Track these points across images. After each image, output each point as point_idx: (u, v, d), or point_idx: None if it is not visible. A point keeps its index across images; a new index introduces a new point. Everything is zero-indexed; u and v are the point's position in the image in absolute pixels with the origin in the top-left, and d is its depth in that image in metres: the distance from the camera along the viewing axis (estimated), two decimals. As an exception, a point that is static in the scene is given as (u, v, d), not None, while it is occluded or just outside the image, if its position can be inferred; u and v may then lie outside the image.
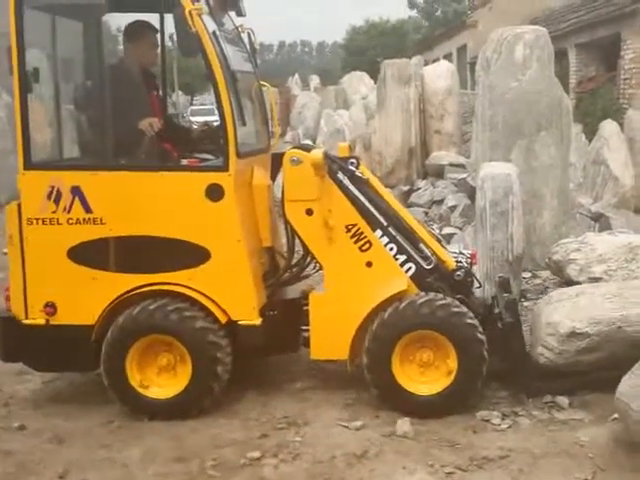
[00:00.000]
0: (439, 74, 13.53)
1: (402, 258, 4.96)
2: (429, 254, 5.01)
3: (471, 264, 5.23)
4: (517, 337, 4.97)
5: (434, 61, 24.59)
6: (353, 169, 5.04)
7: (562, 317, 4.96)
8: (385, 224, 4.96)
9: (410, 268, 4.97)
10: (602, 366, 4.94)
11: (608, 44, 17.80)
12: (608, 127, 10.73)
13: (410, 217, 5.29)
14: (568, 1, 25.01)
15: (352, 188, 4.97)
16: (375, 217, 4.96)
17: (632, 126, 11.65)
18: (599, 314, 4.89)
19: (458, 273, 5.03)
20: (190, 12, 4.54)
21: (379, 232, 4.94)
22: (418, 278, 4.97)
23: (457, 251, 5.37)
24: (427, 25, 45.42)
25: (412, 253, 4.98)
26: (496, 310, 5.09)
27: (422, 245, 5.04)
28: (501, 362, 5.02)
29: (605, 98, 16.86)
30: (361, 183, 5.04)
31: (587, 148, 11.38)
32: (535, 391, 4.99)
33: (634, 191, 10.16)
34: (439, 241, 5.35)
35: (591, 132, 11.99)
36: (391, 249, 4.95)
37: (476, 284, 5.22)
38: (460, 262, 5.14)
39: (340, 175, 4.97)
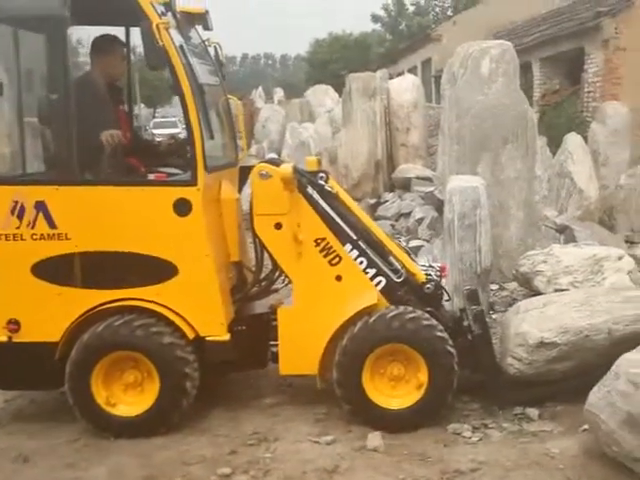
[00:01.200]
0: (405, 87, 13.62)
1: (372, 272, 4.94)
2: (399, 267, 5.01)
3: (441, 277, 5.24)
4: (486, 348, 4.98)
5: (399, 74, 24.73)
6: (322, 183, 5.03)
7: (530, 327, 4.98)
8: (355, 238, 4.95)
9: (380, 282, 4.95)
10: (573, 375, 4.97)
11: (572, 58, 18.02)
12: (572, 140, 10.85)
13: (379, 231, 5.28)
14: (531, 15, 25.37)
15: (321, 202, 4.96)
16: (345, 231, 4.94)
17: (596, 139, 11.81)
18: (567, 323, 4.93)
19: (428, 286, 5.03)
20: (157, 26, 4.52)
21: (349, 246, 4.93)
22: (388, 291, 4.95)
23: (427, 264, 5.37)
24: (391, 38, 45.61)
25: (382, 266, 4.97)
26: (465, 322, 5.10)
27: (392, 258, 5.04)
28: (472, 374, 5.02)
29: (569, 111, 17.05)
30: (330, 197, 5.02)
31: (552, 161, 11.49)
32: (506, 402, 5.00)
33: (598, 203, 10.27)
34: (408, 254, 5.35)
35: (555, 145, 12.11)
36: (361, 263, 4.93)
37: (445, 297, 5.23)
38: (430, 275, 5.14)
39: (309, 189, 4.96)
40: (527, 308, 5.28)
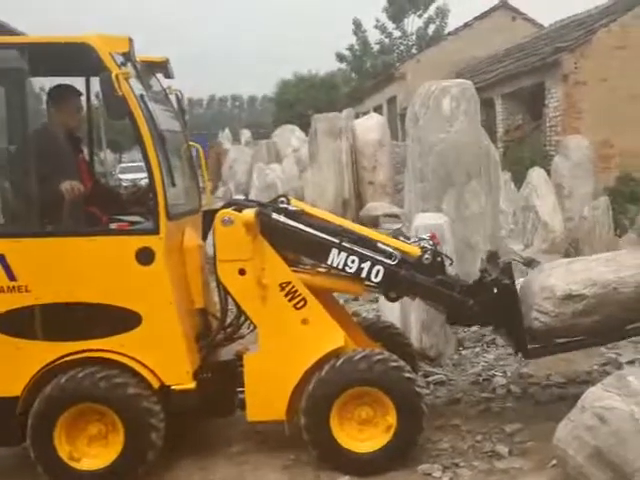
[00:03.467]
0: (370, 126, 13.79)
1: (367, 265, 4.89)
2: (391, 251, 4.96)
3: (435, 244, 5.19)
4: (514, 298, 4.99)
5: (365, 113, 24.98)
6: (286, 205, 5.04)
7: (557, 280, 4.98)
8: (337, 242, 4.91)
9: (379, 271, 4.90)
10: (598, 330, 4.97)
11: (533, 93, 18.34)
12: (536, 174, 11.02)
13: (359, 227, 5.31)
14: (493, 52, 25.83)
15: (292, 223, 4.94)
16: (325, 240, 4.92)
17: (559, 172, 12.00)
18: (594, 276, 4.93)
19: (426, 257, 4.99)
20: (117, 76, 4.52)
21: (335, 251, 4.88)
22: (390, 277, 4.91)
23: (416, 238, 5.34)
24: (356, 77, 46.02)
25: (374, 256, 4.93)
26: (488, 278, 5.09)
27: (380, 245, 5.00)
28: (495, 329, 5.10)
29: (532, 146, 17.32)
30: (298, 215, 5.03)
31: (516, 195, 11.64)
32: (531, 354, 5.09)
33: (563, 235, 10.40)
34: (396, 237, 5.33)
35: (520, 179, 12.28)
36: (353, 262, 4.88)
37: (448, 261, 5.18)
38: (424, 247, 5.10)
39: (275, 216, 4.94)
40: (552, 266, 5.29)
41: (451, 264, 5.28)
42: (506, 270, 5.06)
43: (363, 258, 4.91)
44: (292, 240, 4.95)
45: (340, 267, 4.92)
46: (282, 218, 4.95)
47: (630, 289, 4.88)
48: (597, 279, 4.91)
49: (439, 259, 5.05)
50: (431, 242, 5.18)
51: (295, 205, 5.14)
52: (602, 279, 4.90)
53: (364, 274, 4.92)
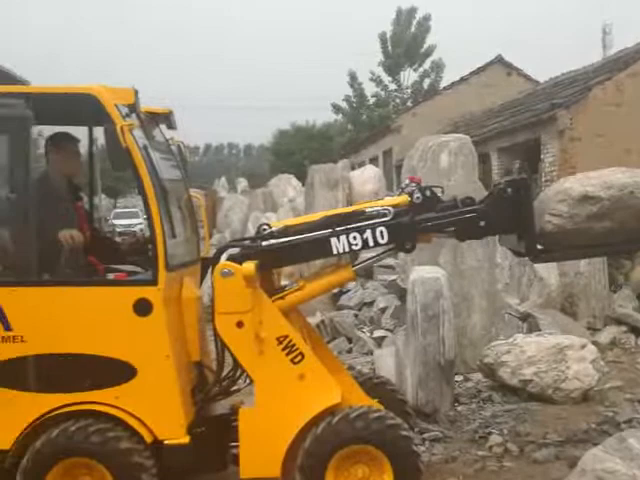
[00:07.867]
0: (366, 178, 13.89)
1: (369, 233, 4.87)
2: (381, 210, 4.95)
3: (418, 182, 5.16)
4: (527, 195, 4.91)
5: (360, 164, 25.11)
6: (270, 230, 5.02)
7: (573, 184, 4.94)
8: (330, 231, 4.90)
9: (382, 232, 4.87)
10: (610, 237, 4.93)
11: (528, 148, 18.45)
12: (532, 229, 10.98)
13: (340, 209, 5.44)
14: (488, 106, 26.09)
15: (284, 239, 4.93)
16: (320, 235, 4.91)
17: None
18: (612, 180, 4.90)
19: (416, 197, 4.96)
20: (122, 128, 4.52)
21: (334, 240, 4.87)
22: (395, 231, 4.89)
23: (399, 190, 5.32)
24: (352, 128, 46.35)
25: (370, 222, 4.92)
26: (501, 184, 5.03)
27: (369, 210, 5.00)
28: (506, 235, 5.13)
29: (528, 199, 17.33)
30: (284, 231, 5.01)
31: (512, 249, 11.60)
32: (540, 259, 5.14)
33: (559, 290, 10.37)
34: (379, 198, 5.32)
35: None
36: (355, 238, 4.86)
37: (438, 190, 5.12)
38: (410, 191, 5.07)
39: (265, 243, 4.93)
40: (568, 176, 5.34)
41: (442, 192, 5.19)
42: (521, 169, 5.06)
43: (361, 230, 4.89)
44: (293, 253, 4.97)
45: (347, 250, 4.90)
46: (273, 241, 4.94)
47: None
48: (614, 182, 4.88)
49: (428, 193, 5.02)
50: (413, 184, 5.17)
51: (275, 225, 5.13)
52: (619, 182, 4.88)
53: (371, 243, 4.89)
